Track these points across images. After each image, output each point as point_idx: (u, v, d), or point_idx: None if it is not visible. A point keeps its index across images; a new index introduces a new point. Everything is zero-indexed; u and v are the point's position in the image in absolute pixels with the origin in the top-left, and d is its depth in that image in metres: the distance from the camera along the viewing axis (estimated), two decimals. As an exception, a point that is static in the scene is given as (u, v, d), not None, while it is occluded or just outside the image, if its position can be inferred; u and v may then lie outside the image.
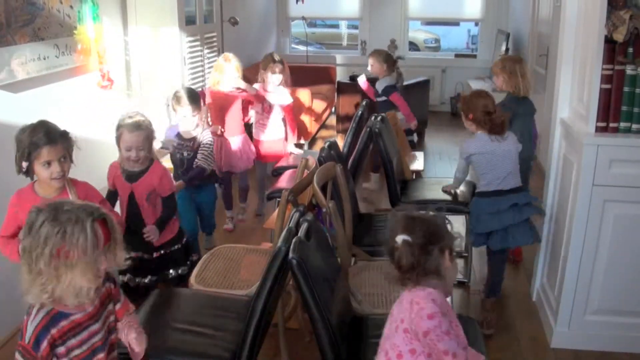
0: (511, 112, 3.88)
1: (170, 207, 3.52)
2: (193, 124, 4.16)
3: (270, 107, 5.25)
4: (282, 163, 5.15)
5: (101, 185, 4.35)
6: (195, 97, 4.16)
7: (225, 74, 4.89)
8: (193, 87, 5.35)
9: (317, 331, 2.36)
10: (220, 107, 4.96)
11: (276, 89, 5.20)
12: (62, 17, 3.98)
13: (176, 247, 3.56)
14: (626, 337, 3.39)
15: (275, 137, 5.31)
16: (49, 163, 2.71)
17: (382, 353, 2.11)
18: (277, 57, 5.20)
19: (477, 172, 3.79)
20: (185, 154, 4.18)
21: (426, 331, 1.93)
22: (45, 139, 2.68)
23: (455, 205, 4.27)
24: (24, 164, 2.72)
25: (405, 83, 7.84)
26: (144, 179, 3.43)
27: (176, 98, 4.12)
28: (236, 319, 2.74)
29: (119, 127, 3.38)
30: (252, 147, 5.19)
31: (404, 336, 2.02)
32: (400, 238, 2.05)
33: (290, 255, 2.30)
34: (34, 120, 3.68)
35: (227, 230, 5.19)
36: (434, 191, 4.50)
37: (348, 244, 3.34)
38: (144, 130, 3.37)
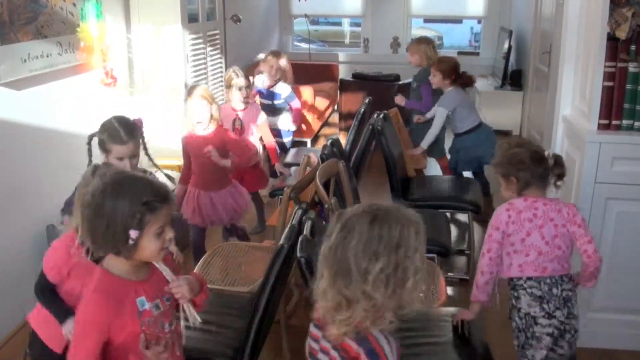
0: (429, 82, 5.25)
1: None
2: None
3: (242, 128, 4.61)
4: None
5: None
6: (133, 130, 2.97)
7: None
8: (196, 84, 5.36)
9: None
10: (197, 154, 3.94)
11: (250, 107, 4.69)
12: (65, 14, 3.98)
13: None
14: (629, 334, 3.40)
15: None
16: (163, 228, 1.86)
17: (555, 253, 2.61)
18: (239, 72, 4.62)
19: (459, 117, 5.05)
20: None
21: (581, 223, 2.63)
22: (160, 196, 1.84)
23: (459, 203, 4.29)
24: (134, 234, 1.79)
25: (407, 80, 7.84)
26: None
27: (110, 133, 2.91)
28: (239, 316, 2.75)
29: None
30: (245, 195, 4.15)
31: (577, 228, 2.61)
32: (550, 152, 2.69)
33: (299, 254, 2.30)
34: (37, 117, 3.71)
35: None
36: (436, 189, 4.51)
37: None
38: None
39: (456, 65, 5.11)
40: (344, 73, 9.35)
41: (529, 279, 2.58)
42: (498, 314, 3.79)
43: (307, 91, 7.47)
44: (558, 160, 2.69)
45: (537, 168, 2.63)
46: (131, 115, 3.08)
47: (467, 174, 5.26)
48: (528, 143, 2.74)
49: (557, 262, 2.58)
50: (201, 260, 3.44)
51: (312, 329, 1.82)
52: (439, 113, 5.06)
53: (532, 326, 2.59)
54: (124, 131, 2.88)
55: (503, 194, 2.78)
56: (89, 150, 2.97)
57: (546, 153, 2.68)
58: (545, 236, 2.59)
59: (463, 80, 5.14)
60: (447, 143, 5.43)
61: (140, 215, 1.78)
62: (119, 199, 1.78)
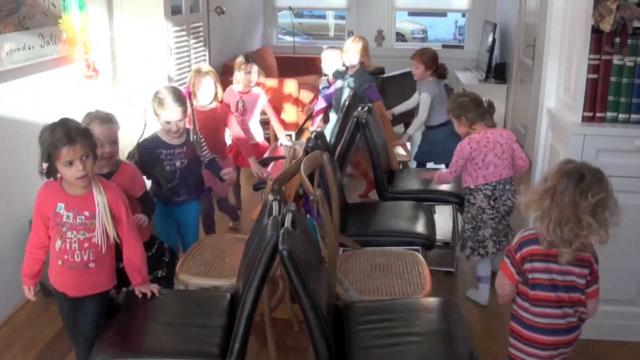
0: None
1: (148, 202, 3.34)
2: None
3: (245, 110, 5.09)
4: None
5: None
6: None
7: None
8: (179, 79, 5.34)
9: (308, 321, 2.35)
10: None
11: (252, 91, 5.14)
12: (47, 5, 3.94)
13: (148, 254, 3.07)
14: (610, 325, 3.41)
15: None
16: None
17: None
18: (250, 57, 5.12)
19: (437, 108, 5.11)
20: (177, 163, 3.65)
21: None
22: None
23: (442, 196, 4.29)
24: None
25: (392, 74, 7.84)
26: (115, 180, 3.08)
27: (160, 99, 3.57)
28: (216, 315, 2.73)
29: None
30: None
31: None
32: (486, 99, 3.96)
33: (281, 246, 2.28)
34: (19, 110, 3.67)
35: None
36: (420, 182, 4.51)
37: (335, 233, 3.34)
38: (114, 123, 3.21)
39: (436, 55, 5.22)
40: (328, 66, 9.32)
41: (487, 184, 3.75)
42: (483, 309, 3.82)
43: (291, 84, 7.44)
44: (490, 103, 3.93)
45: (478, 109, 3.83)
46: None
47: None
48: (470, 93, 3.99)
49: (507, 169, 3.76)
50: (186, 252, 3.43)
51: (540, 264, 2.43)
52: (424, 99, 5.12)
53: (481, 214, 3.79)
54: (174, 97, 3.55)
55: (458, 130, 3.95)
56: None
57: (483, 99, 3.90)
58: (497, 154, 3.73)
59: (440, 72, 5.25)
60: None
61: None
62: None
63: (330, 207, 3.35)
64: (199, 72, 4.40)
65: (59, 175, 2.67)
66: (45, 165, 2.60)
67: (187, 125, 3.78)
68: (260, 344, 3.35)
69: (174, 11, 5.30)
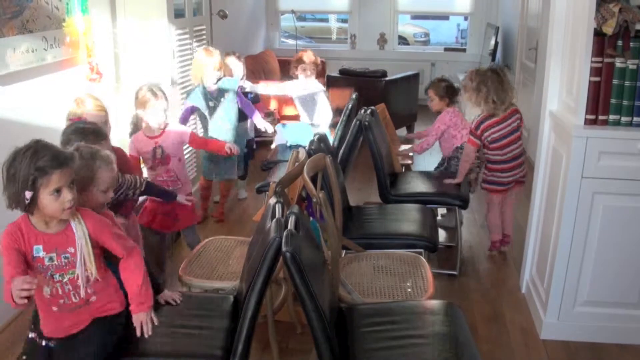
0: None
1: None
2: None
3: (166, 158, 3.99)
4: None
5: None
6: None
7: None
8: (182, 82, 5.33)
9: (311, 323, 2.34)
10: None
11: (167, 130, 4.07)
12: (50, 9, 3.95)
13: None
14: (615, 328, 3.41)
15: None
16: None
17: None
18: (158, 91, 3.92)
19: None
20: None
21: None
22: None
23: (445, 198, 4.29)
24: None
25: (394, 77, 7.86)
26: None
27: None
28: (218, 317, 2.72)
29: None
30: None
31: None
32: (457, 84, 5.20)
33: (284, 248, 2.28)
34: (23, 113, 3.68)
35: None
36: (423, 184, 4.52)
37: (338, 235, 3.34)
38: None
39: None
40: (330, 69, 9.35)
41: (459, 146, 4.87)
42: (484, 313, 3.82)
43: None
44: (456, 89, 5.03)
45: (450, 93, 4.94)
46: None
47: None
48: (447, 79, 5.12)
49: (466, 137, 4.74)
50: (191, 253, 3.43)
51: (493, 129, 4.28)
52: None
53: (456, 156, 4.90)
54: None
55: (435, 107, 4.98)
56: None
57: (456, 85, 5.14)
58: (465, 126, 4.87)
59: None
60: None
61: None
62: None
63: (333, 210, 3.36)
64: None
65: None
66: (29, 194, 2.21)
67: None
68: (262, 346, 3.36)
69: (176, 14, 5.30)
